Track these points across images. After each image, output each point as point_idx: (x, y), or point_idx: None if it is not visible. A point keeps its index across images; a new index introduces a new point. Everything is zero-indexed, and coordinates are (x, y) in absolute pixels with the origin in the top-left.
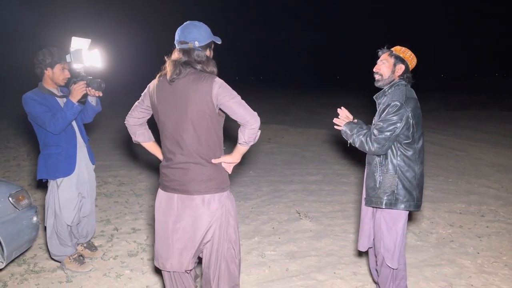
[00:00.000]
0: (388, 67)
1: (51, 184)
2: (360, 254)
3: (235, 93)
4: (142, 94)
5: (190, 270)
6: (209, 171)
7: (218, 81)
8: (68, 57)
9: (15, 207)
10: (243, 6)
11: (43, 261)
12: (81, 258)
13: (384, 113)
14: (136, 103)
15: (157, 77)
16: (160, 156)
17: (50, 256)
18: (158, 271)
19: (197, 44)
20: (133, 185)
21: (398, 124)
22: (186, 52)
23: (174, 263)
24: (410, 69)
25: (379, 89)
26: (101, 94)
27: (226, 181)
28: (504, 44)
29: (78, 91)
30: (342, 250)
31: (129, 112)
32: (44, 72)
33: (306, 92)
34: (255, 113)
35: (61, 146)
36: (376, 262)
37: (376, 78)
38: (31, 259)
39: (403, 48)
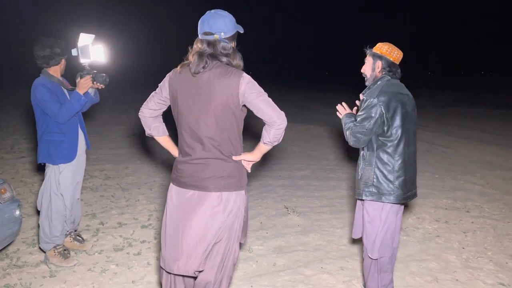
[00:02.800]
0: (369, 66)
1: (51, 169)
2: (348, 249)
3: (262, 90)
4: (159, 84)
5: (201, 271)
6: (230, 168)
7: (246, 77)
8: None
9: None
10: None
11: (26, 255)
12: (66, 252)
13: (360, 109)
14: (153, 93)
15: (178, 67)
16: (173, 151)
17: (38, 241)
18: (144, 267)
19: (223, 35)
20: (120, 179)
21: (370, 119)
22: (211, 43)
23: (181, 265)
24: (395, 62)
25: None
26: (103, 87)
27: (245, 179)
28: (489, 43)
29: (85, 84)
30: (329, 245)
31: (144, 103)
32: (61, 61)
33: (296, 87)
34: (283, 113)
35: (65, 134)
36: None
37: (365, 78)
38: (14, 254)
39: (382, 44)
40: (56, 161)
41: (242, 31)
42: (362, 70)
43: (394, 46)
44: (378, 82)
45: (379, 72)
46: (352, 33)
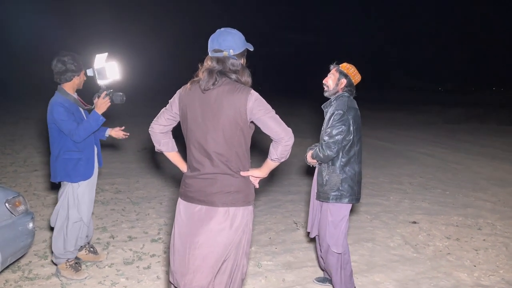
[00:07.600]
0: (334, 80)
1: (69, 187)
2: (358, 265)
3: (270, 107)
4: (170, 101)
5: None
6: (237, 183)
7: (254, 94)
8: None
9: (11, 213)
10: (245, 12)
11: (38, 268)
12: (77, 265)
13: (331, 121)
14: (163, 109)
15: (188, 83)
16: (182, 167)
17: (51, 252)
18: (154, 281)
19: (232, 52)
20: (130, 193)
21: (343, 129)
22: (220, 60)
23: (187, 281)
24: (354, 84)
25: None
26: (127, 135)
27: (252, 195)
28: (502, 58)
29: (103, 104)
30: None
31: (155, 119)
32: (73, 78)
33: (306, 102)
34: (290, 130)
35: (82, 151)
36: (321, 250)
37: (324, 89)
38: (26, 266)
39: (349, 65)
40: (75, 179)
41: (252, 49)
42: (324, 81)
43: (357, 70)
44: (341, 98)
45: (341, 88)
46: (362, 45)
